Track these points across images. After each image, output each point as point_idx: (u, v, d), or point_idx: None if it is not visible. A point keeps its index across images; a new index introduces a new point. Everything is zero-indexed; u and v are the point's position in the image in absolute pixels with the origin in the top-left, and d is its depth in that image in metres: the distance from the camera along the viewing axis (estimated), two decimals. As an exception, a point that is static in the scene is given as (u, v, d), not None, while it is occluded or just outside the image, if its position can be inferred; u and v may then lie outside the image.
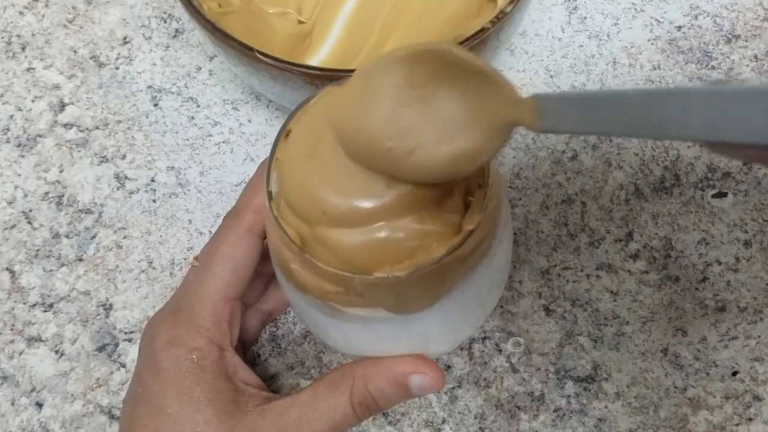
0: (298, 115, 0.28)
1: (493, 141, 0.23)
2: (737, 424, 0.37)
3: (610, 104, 0.20)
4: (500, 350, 0.39)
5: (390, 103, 0.24)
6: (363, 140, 0.24)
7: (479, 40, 0.34)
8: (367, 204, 0.25)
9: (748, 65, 0.44)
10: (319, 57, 0.41)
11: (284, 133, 0.28)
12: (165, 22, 0.47)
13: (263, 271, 0.35)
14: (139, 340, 0.39)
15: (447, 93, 0.24)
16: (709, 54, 0.44)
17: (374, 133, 0.24)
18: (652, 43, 0.45)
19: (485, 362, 0.38)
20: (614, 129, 0.20)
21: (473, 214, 0.26)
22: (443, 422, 0.37)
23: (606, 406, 0.37)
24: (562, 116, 0.21)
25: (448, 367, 0.38)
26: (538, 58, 0.45)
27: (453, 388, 0.38)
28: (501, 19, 0.35)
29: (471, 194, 0.27)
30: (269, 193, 0.27)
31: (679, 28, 0.45)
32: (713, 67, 0.44)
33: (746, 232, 0.40)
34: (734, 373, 0.38)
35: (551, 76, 0.44)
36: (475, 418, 0.37)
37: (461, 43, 0.34)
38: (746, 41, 0.45)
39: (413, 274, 0.25)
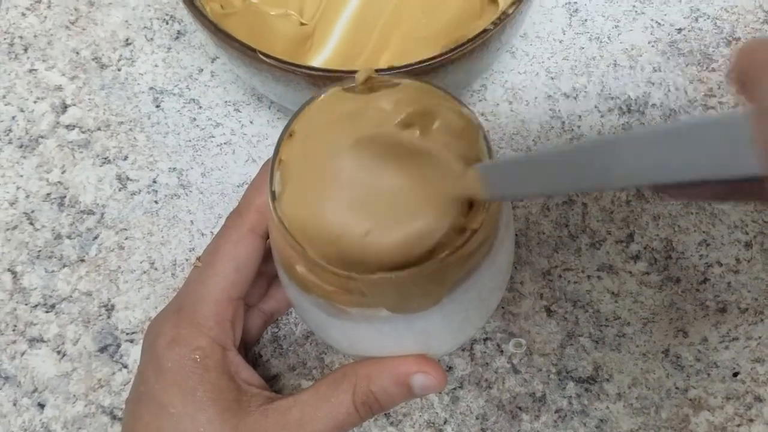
0: (301, 116, 0.28)
1: (445, 216, 0.24)
2: (738, 425, 0.37)
3: (548, 165, 0.20)
4: (502, 351, 0.39)
5: (339, 191, 0.25)
6: (314, 230, 0.25)
7: (481, 41, 0.34)
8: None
9: (748, 67, 0.44)
10: (320, 58, 0.41)
11: (288, 133, 0.28)
12: (167, 23, 0.47)
13: (265, 272, 0.35)
14: (140, 341, 0.39)
15: (393, 176, 0.25)
16: (709, 56, 0.45)
17: (325, 222, 0.25)
18: (653, 46, 0.45)
19: (487, 363, 0.38)
20: (557, 187, 0.21)
21: (476, 213, 0.26)
22: (445, 423, 0.38)
23: (607, 407, 0.37)
24: (507, 182, 0.22)
25: (450, 368, 0.38)
26: (539, 60, 0.45)
27: (454, 388, 0.38)
28: (503, 20, 0.35)
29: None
30: (272, 193, 0.27)
31: (680, 30, 0.45)
32: (713, 69, 0.44)
33: (747, 233, 0.40)
34: (735, 374, 0.38)
35: (552, 78, 0.44)
36: (477, 418, 0.38)
37: (463, 45, 0.34)
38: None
39: (416, 273, 0.25)
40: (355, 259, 0.25)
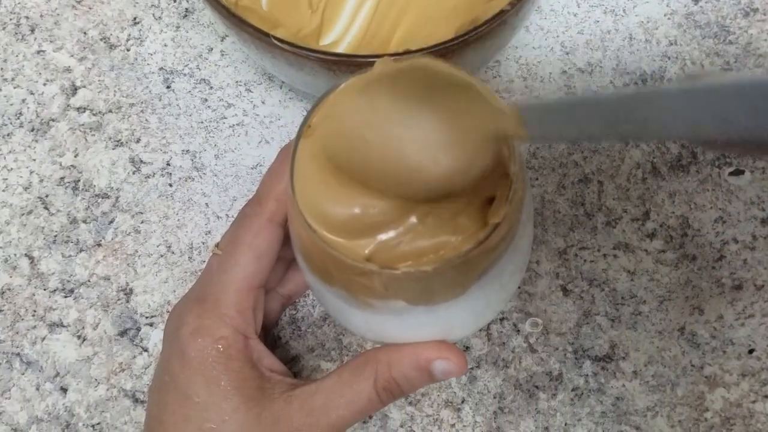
0: (319, 109, 0.28)
1: (482, 154, 0.24)
2: (753, 401, 0.37)
3: (592, 108, 0.20)
4: (518, 331, 0.39)
5: (378, 131, 0.24)
6: (355, 166, 0.25)
7: (498, 22, 0.34)
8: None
9: (766, 39, 0.43)
10: (330, 39, 0.41)
11: (306, 126, 0.27)
12: (175, 1, 0.47)
13: (283, 256, 0.35)
14: (160, 325, 0.40)
15: (430, 110, 0.24)
16: (726, 28, 0.44)
17: (367, 162, 0.24)
18: (669, 18, 0.44)
19: (504, 343, 0.39)
20: (599, 133, 0.20)
21: (499, 207, 0.26)
22: (463, 402, 0.38)
23: (623, 385, 0.38)
24: (547, 123, 0.22)
25: (467, 348, 0.39)
26: (553, 35, 0.44)
27: (472, 368, 0.39)
28: (519, 1, 0.34)
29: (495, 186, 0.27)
30: (293, 186, 0.27)
31: (696, 1, 0.45)
32: (731, 42, 0.44)
33: (763, 209, 0.40)
34: (750, 351, 0.38)
35: (567, 53, 0.44)
36: (494, 398, 0.38)
37: (480, 26, 0.34)
38: (765, 14, 0.44)
39: (440, 268, 0.25)
40: (397, 194, 0.25)
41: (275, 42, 0.34)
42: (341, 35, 0.41)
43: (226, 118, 0.44)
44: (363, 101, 0.25)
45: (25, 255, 0.42)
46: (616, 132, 0.19)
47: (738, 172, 0.41)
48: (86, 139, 0.44)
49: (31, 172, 0.43)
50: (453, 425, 0.38)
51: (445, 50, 0.34)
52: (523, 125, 0.22)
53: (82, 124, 0.44)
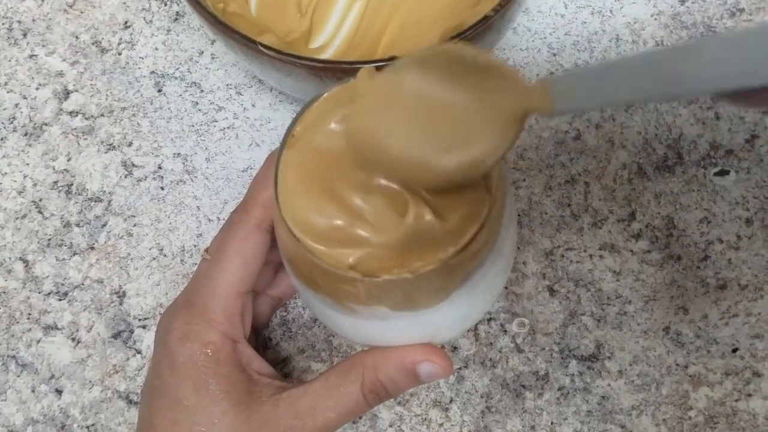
0: (303, 118, 0.28)
1: (508, 134, 0.24)
2: (737, 400, 0.38)
3: (620, 72, 0.20)
4: (505, 331, 0.39)
5: (402, 115, 0.24)
6: (380, 156, 0.25)
7: (485, 26, 0.34)
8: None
9: (751, 40, 0.44)
10: (319, 43, 0.41)
11: (290, 135, 0.28)
12: (165, 4, 0.47)
13: (272, 260, 0.36)
14: (153, 327, 0.40)
15: (455, 94, 0.24)
16: (713, 29, 0.44)
17: (390, 150, 0.24)
18: (656, 19, 0.45)
19: (491, 343, 0.39)
20: (628, 96, 0.20)
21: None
22: (451, 402, 0.39)
23: (609, 384, 0.38)
24: (574, 94, 0.22)
25: (455, 348, 0.39)
26: (540, 36, 0.45)
27: (460, 368, 0.39)
28: (504, 6, 0.34)
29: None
30: (277, 196, 0.28)
31: (683, 2, 0.45)
32: (717, 42, 0.44)
33: (748, 209, 0.41)
34: (734, 350, 0.39)
35: (554, 54, 0.44)
36: (482, 397, 0.39)
37: (464, 32, 0.34)
38: (750, 15, 0.44)
39: (421, 275, 0.26)
40: (421, 184, 0.25)
41: (262, 49, 0.35)
42: (330, 38, 0.42)
43: (216, 121, 0.44)
44: (386, 85, 0.25)
45: (20, 258, 0.42)
46: (648, 93, 0.19)
47: (723, 173, 0.41)
48: (79, 143, 0.44)
49: (25, 176, 0.44)
50: (441, 425, 0.38)
51: (430, 56, 0.34)
52: (550, 99, 0.22)
53: (75, 128, 0.44)
